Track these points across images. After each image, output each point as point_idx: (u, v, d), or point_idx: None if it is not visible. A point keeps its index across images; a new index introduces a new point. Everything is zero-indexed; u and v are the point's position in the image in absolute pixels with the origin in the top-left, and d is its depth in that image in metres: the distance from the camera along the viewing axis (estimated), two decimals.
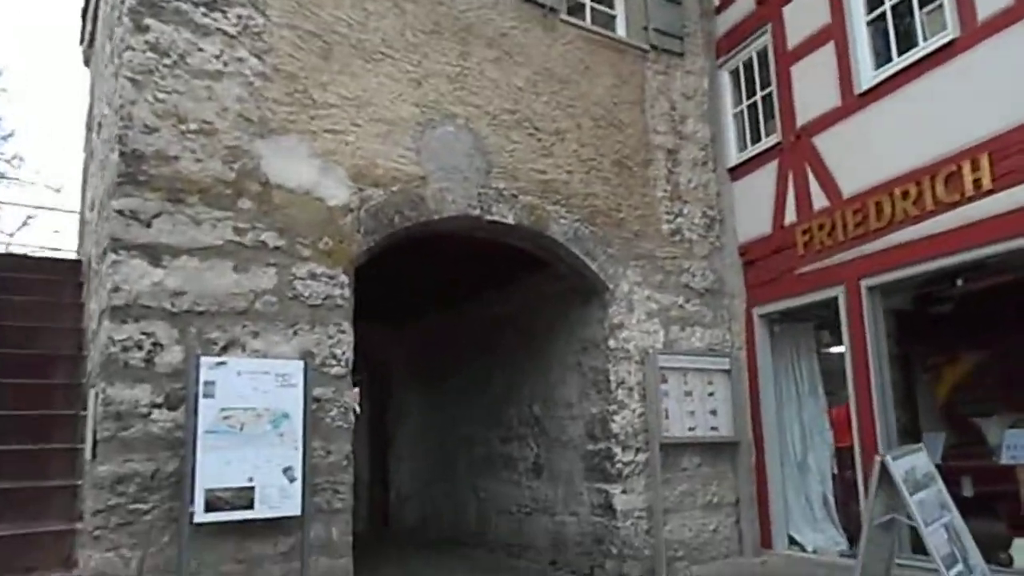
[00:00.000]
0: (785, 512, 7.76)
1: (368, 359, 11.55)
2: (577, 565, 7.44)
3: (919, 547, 5.49)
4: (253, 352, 5.28)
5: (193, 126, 5.31)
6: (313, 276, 5.62)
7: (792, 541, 7.67)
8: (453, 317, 10.22)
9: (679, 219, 8.08)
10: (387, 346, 11.58)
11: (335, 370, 5.61)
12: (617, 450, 7.15)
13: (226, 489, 4.87)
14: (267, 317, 5.38)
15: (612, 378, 7.26)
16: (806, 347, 8.18)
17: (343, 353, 5.67)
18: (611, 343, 7.33)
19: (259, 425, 5.04)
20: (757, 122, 8.33)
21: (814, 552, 7.46)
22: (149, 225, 5.06)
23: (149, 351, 4.91)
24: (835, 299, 7.08)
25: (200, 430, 4.82)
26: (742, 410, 7.87)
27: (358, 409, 5.41)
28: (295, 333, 5.47)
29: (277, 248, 5.50)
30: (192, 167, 5.27)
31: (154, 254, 5.04)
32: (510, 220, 6.78)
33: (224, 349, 5.18)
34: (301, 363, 5.28)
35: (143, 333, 4.91)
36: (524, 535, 8.35)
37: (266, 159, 5.57)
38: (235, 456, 4.92)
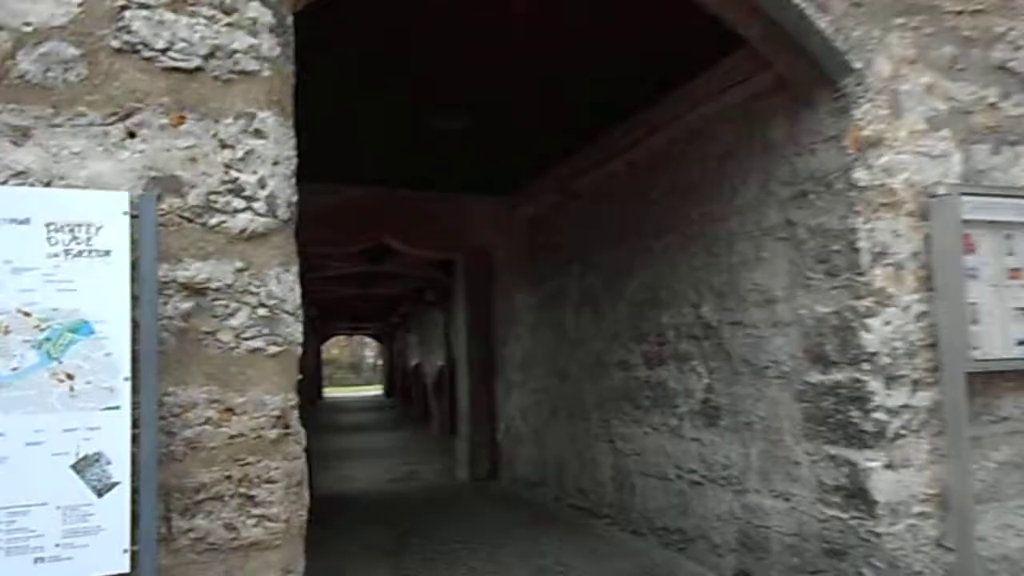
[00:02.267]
0: None
1: (465, 246, 8.45)
2: None
3: None
4: (14, 174, 2.18)
5: None
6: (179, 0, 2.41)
7: None
8: (573, 176, 6.82)
9: None
10: (489, 228, 8.37)
11: (240, 220, 2.43)
12: (875, 384, 3.64)
13: None
14: (53, 92, 2.24)
15: (862, 245, 3.69)
16: None
17: (260, 180, 2.47)
18: (858, 177, 3.72)
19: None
20: None
21: None
22: None
23: None
24: None
25: None
26: None
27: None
28: (131, 134, 2.31)
29: None
30: None
31: None
32: None
33: None
34: (124, 199, 2.14)
35: None
36: (690, 518, 5.07)
37: None
38: None
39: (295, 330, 2.53)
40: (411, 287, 15.27)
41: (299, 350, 2.55)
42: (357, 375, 48.34)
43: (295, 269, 2.57)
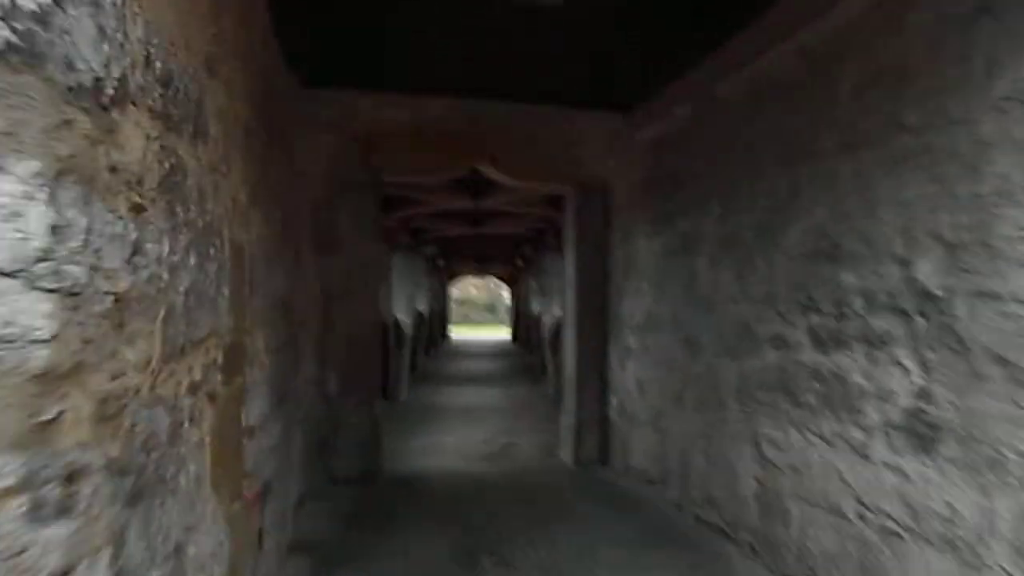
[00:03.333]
0: None
1: (574, 176, 6.85)
2: None
3: None
4: None
5: None
6: None
7: None
8: (716, 77, 5.02)
9: None
10: (605, 153, 6.70)
11: None
12: None
13: None
14: None
15: None
16: None
17: None
18: None
19: None
20: None
21: None
22: None
23: None
24: None
25: None
26: None
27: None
28: None
29: None
30: None
31: None
32: None
33: None
34: None
35: None
36: None
37: None
38: None
39: (25, 306, 1.09)
40: (529, 228, 13.77)
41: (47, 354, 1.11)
42: (494, 315, 48.02)
43: (35, 166, 1.11)
